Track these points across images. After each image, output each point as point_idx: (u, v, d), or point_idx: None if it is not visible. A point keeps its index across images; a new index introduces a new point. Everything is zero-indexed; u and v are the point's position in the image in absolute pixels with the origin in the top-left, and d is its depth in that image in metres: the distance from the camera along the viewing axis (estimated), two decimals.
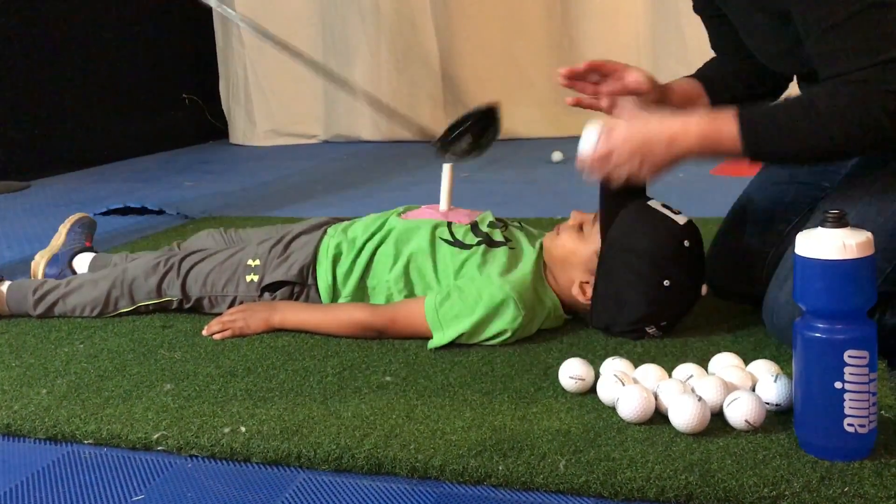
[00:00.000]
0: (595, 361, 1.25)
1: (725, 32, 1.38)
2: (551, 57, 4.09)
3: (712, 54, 1.50)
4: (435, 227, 1.49)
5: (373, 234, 1.50)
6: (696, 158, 1.19)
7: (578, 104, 1.41)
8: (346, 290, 1.49)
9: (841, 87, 1.09)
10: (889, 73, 1.06)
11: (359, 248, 1.49)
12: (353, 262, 1.49)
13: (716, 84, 1.45)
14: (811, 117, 1.11)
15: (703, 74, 1.47)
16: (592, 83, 1.38)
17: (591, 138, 1.23)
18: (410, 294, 1.45)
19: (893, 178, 1.21)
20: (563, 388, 1.16)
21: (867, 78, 1.07)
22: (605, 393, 1.09)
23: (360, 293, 1.49)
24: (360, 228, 1.53)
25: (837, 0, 1.08)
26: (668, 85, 1.42)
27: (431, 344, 1.33)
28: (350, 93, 1.92)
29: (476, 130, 1.51)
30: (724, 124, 1.15)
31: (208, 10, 4.57)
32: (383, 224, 1.53)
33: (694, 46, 3.61)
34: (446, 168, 1.53)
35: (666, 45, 3.83)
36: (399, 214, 1.56)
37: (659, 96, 1.39)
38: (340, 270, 1.49)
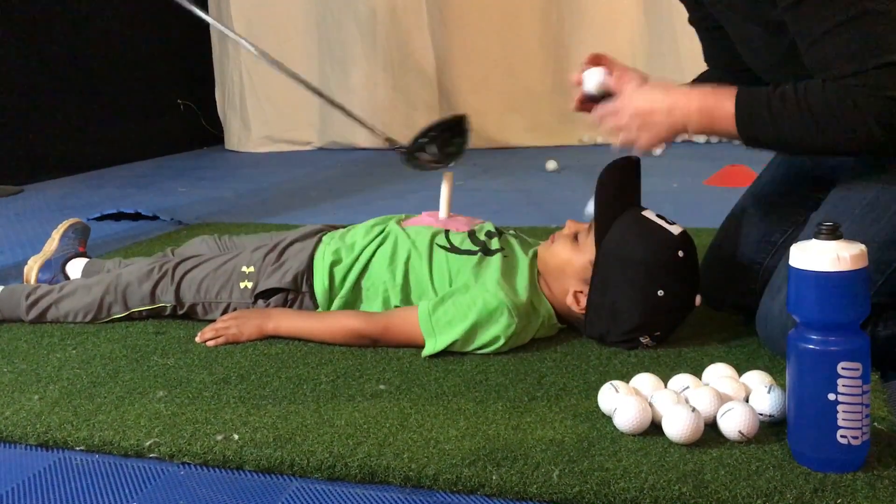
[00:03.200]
0: (589, 371, 1.26)
1: (720, 45, 1.39)
2: (546, 66, 4.11)
3: (705, 64, 1.51)
4: (434, 235, 1.49)
5: (372, 240, 1.51)
6: (695, 131, 1.22)
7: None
8: (343, 291, 1.49)
9: (838, 90, 1.10)
10: (881, 78, 1.07)
11: (358, 253, 1.49)
12: (352, 265, 1.49)
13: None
14: (804, 115, 1.12)
15: (697, 82, 1.47)
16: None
17: (594, 78, 1.31)
18: (406, 297, 1.46)
19: (885, 189, 1.21)
20: (556, 397, 1.16)
21: (863, 83, 1.08)
22: (605, 402, 1.09)
23: (356, 294, 1.49)
24: (359, 233, 1.53)
25: (829, 8, 1.09)
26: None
27: (425, 352, 1.33)
28: (343, 114, 1.95)
29: (442, 140, 1.53)
30: (724, 102, 1.17)
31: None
32: (383, 229, 1.53)
33: (688, 55, 3.64)
34: (446, 177, 1.53)
35: (661, 53, 3.85)
36: (398, 221, 1.56)
37: None
38: (339, 274, 1.49)
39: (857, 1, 1.07)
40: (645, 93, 1.24)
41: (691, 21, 1.45)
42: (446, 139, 1.53)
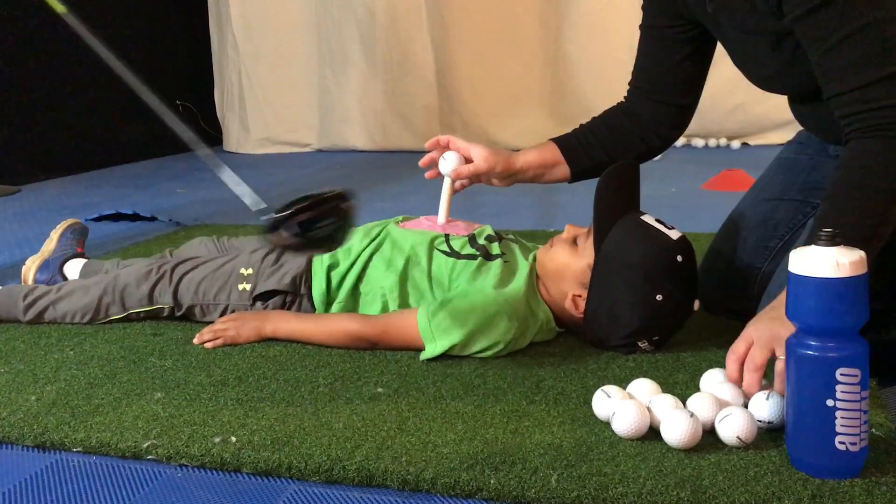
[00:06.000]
0: (587, 375, 1.26)
1: (660, 60, 1.42)
2: (545, 69, 4.11)
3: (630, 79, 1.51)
4: (433, 239, 1.49)
5: (370, 243, 1.50)
6: None
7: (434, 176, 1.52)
8: (340, 296, 1.48)
9: (868, 149, 1.08)
10: (894, 87, 1.07)
11: (355, 257, 1.49)
12: (349, 268, 1.49)
13: (576, 150, 1.48)
14: (863, 195, 1.08)
15: (565, 138, 1.50)
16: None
17: (450, 162, 1.40)
18: (404, 302, 1.45)
19: None
20: (554, 402, 1.16)
21: (883, 123, 1.07)
22: (599, 409, 1.09)
23: (354, 299, 1.49)
24: (356, 237, 1.53)
25: (841, 17, 1.09)
26: (518, 156, 1.49)
27: (424, 355, 1.33)
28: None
29: (309, 217, 1.21)
30: None
31: (204, 17, 4.59)
32: (380, 232, 1.53)
33: None
34: (447, 181, 1.53)
35: None
36: (397, 223, 1.56)
37: (505, 169, 1.47)
38: (335, 278, 1.49)
39: (869, 9, 1.07)
40: (761, 314, 1.12)
41: (643, 26, 1.45)
42: (316, 216, 1.22)
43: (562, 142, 1.50)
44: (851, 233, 1.01)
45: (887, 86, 1.08)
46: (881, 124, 1.08)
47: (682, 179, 3.07)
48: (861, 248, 0.93)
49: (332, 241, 1.26)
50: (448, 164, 1.49)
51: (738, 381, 1.08)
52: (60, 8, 1.48)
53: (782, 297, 1.07)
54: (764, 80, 1.31)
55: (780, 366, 1.04)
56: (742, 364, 1.07)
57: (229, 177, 1.31)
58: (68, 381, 1.29)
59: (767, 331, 1.07)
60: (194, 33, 4.63)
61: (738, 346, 1.09)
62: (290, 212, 1.20)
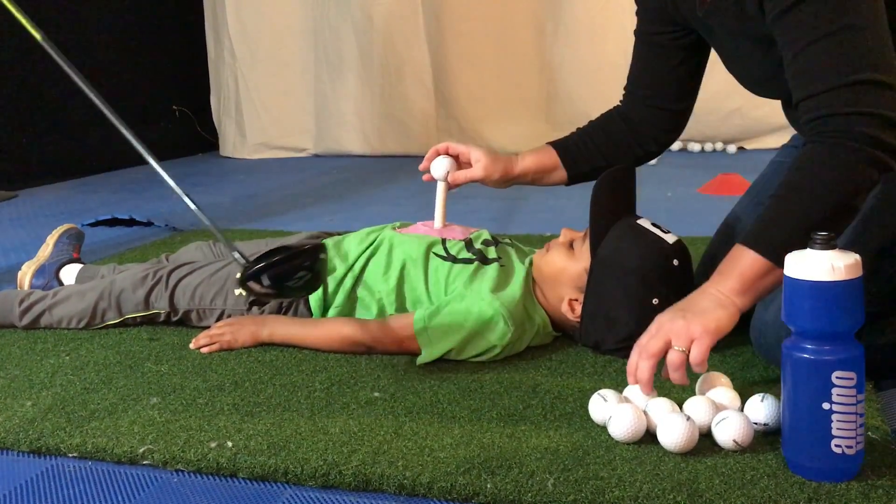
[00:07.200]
0: (584, 379, 1.26)
1: (653, 65, 1.42)
2: (542, 74, 4.12)
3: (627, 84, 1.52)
4: (430, 244, 1.49)
5: (366, 248, 1.50)
6: (742, 303, 1.08)
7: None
8: (337, 301, 1.48)
9: (823, 143, 1.08)
10: (858, 94, 1.06)
11: (351, 262, 1.49)
12: (346, 273, 1.49)
13: (574, 154, 1.49)
14: (804, 200, 1.07)
15: (563, 143, 1.51)
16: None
17: (442, 165, 1.47)
18: (401, 306, 1.45)
19: (876, 198, 1.22)
20: (551, 406, 1.16)
21: (841, 99, 1.06)
22: (596, 412, 1.09)
23: (350, 304, 1.49)
24: (353, 242, 1.53)
25: (812, 22, 1.09)
26: (516, 162, 1.49)
27: (420, 360, 1.33)
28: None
29: (284, 269, 1.29)
30: (740, 256, 1.09)
31: (201, 22, 4.59)
32: (377, 238, 1.53)
33: None
34: (441, 185, 1.53)
35: None
36: (394, 229, 1.56)
37: (503, 176, 1.48)
38: (332, 283, 1.49)
39: (840, 15, 1.07)
40: (673, 305, 1.12)
41: (637, 32, 1.46)
42: (289, 269, 1.29)
43: (559, 146, 1.50)
44: (783, 236, 1.04)
45: (849, 93, 1.06)
46: (835, 130, 1.07)
47: (679, 183, 3.07)
48: (790, 248, 0.94)
49: (303, 291, 1.37)
50: (438, 169, 1.50)
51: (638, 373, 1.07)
52: (36, 35, 1.58)
53: (695, 293, 1.11)
54: (755, 84, 1.31)
55: (673, 356, 1.05)
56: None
57: (203, 216, 1.41)
58: (64, 386, 1.29)
59: (668, 321, 1.07)
60: (191, 39, 4.63)
61: (642, 338, 1.09)
62: (263, 264, 1.26)
